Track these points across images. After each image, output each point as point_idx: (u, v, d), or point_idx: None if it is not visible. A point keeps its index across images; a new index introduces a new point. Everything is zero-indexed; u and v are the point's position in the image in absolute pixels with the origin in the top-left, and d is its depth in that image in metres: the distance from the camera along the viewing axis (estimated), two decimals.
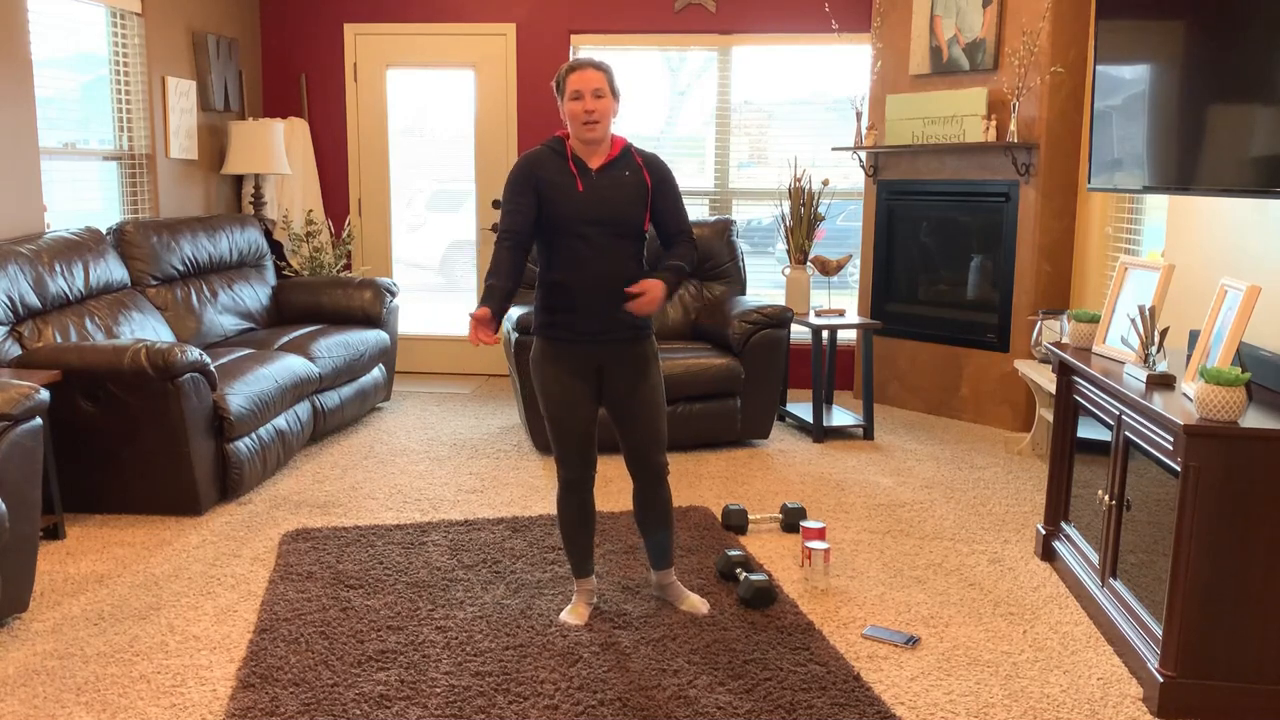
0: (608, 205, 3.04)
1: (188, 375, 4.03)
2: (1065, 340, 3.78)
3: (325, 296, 5.85)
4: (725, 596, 3.41)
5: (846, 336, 6.67)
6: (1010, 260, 5.60)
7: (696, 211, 6.79)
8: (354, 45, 6.74)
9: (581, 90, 3.00)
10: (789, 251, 5.89)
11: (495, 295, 3.02)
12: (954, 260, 5.92)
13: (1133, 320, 3.21)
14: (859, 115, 6.05)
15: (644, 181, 3.11)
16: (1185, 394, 2.91)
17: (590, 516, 3.23)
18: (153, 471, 4.07)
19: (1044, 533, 3.82)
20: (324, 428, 5.15)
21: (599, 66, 3.03)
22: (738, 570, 3.50)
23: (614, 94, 3.05)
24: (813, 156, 6.63)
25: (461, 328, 7.05)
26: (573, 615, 3.23)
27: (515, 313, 5.10)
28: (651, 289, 2.98)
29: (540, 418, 5.01)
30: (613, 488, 4.58)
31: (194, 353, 4.06)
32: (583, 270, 3.04)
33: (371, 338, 5.63)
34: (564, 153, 3.08)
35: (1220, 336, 2.83)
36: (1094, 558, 3.36)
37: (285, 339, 5.22)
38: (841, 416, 5.64)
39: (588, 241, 3.03)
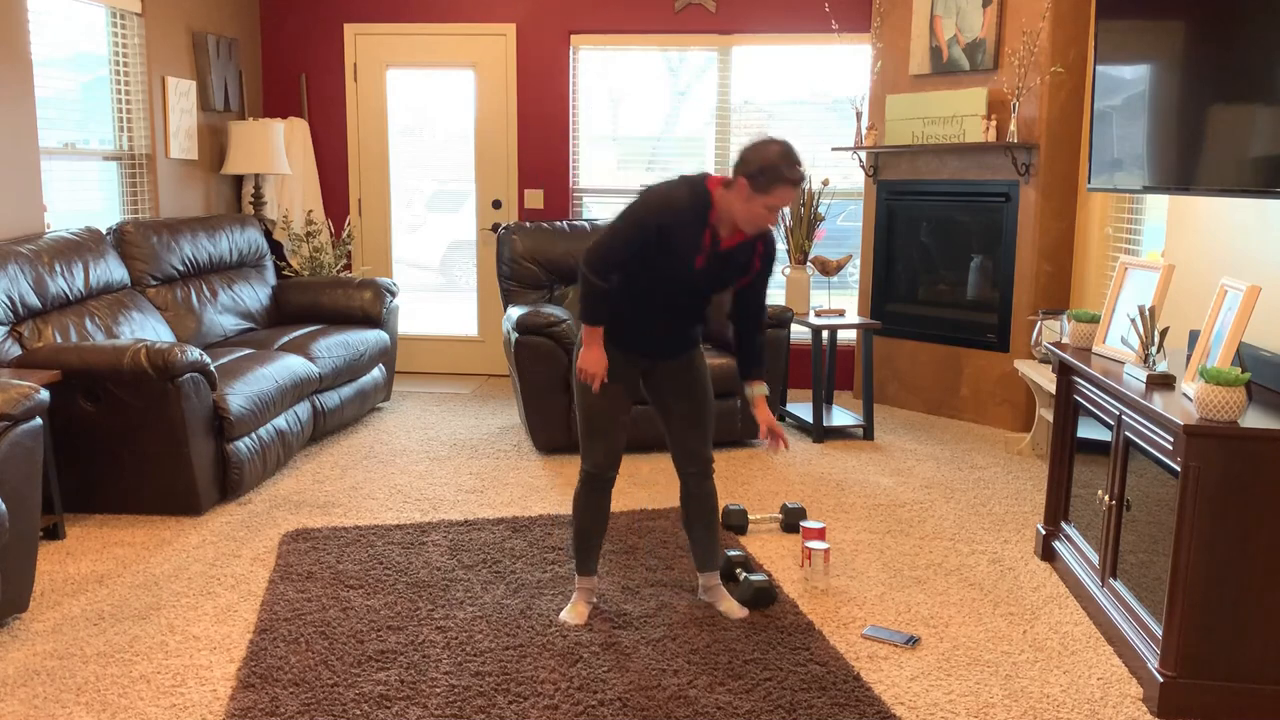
0: (711, 278, 3.06)
1: (188, 375, 4.03)
2: (1065, 340, 3.78)
3: (325, 296, 5.85)
4: None
5: (846, 336, 6.67)
6: (1010, 260, 5.60)
7: None
8: (354, 45, 6.74)
9: (778, 206, 2.90)
10: (789, 251, 5.89)
11: (601, 339, 3.07)
12: (954, 260, 5.92)
13: (1133, 320, 3.21)
14: (859, 115, 6.05)
15: (753, 266, 3.11)
16: (1185, 394, 2.91)
17: (605, 515, 3.24)
18: (153, 471, 4.07)
19: (1044, 533, 3.82)
20: (324, 428, 5.15)
21: (801, 184, 2.93)
22: (738, 571, 3.51)
23: None
24: (813, 156, 6.63)
25: (463, 328, 7.05)
26: (573, 614, 3.23)
27: (515, 313, 5.10)
28: (773, 424, 3.15)
29: (540, 417, 5.02)
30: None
31: (194, 353, 4.06)
32: (653, 311, 3.08)
33: (371, 338, 5.63)
34: (705, 219, 2.97)
35: (1220, 336, 2.83)
36: (1094, 558, 3.36)
37: (285, 339, 5.22)
38: (841, 416, 5.64)
39: (671, 292, 3.06)
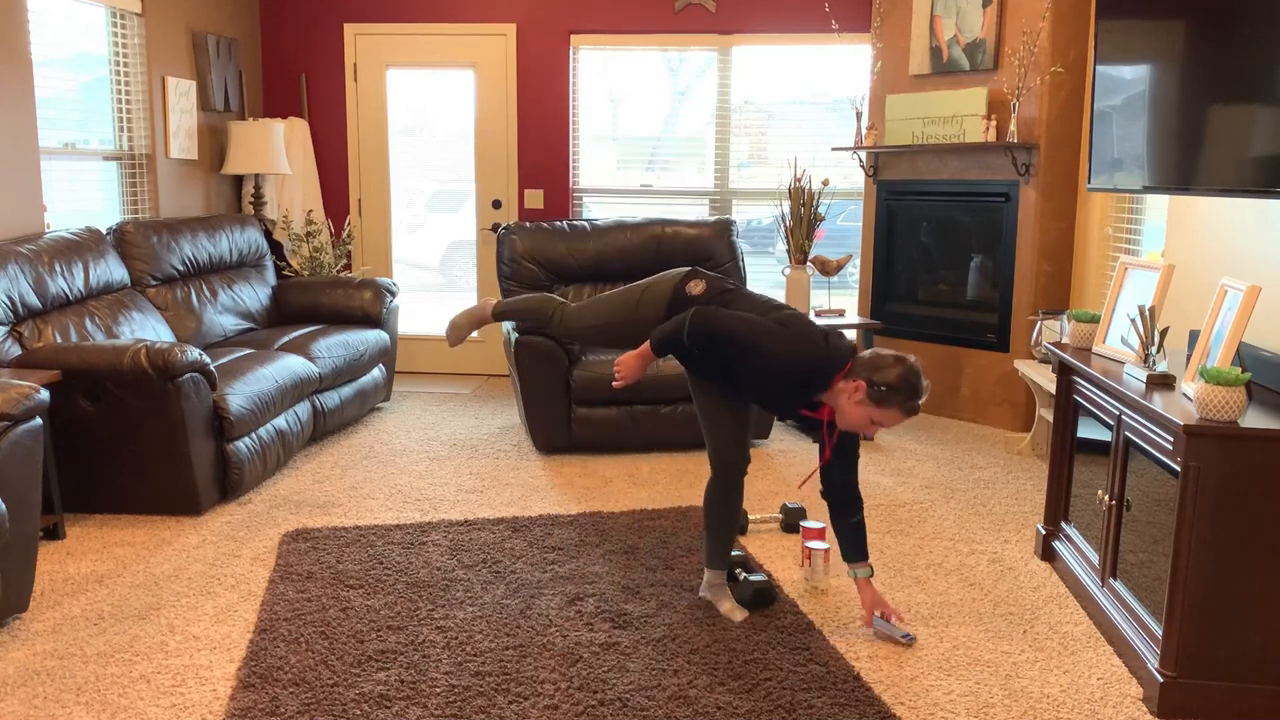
0: (792, 417, 3.21)
1: (188, 375, 4.03)
2: (1065, 340, 3.78)
3: (325, 296, 5.85)
4: None
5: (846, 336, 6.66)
6: (1010, 260, 5.60)
7: (696, 212, 6.80)
8: (354, 45, 6.74)
9: (884, 425, 2.97)
10: (789, 252, 5.89)
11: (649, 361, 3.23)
12: (954, 260, 5.92)
13: (1133, 320, 3.21)
14: (859, 115, 6.05)
15: (845, 440, 3.18)
16: (1185, 394, 2.91)
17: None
18: (153, 471, 4.07)
19: (1044, 533, 3.82)
20: (324, 428, 5.15)
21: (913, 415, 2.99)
22: (737, 571, 3.50)
23: None
24: (813, 156, 6.63)
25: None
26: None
27: None
28: (881, 604, 3.17)
29: (540, 417, 5.02)
30: (613, 488, 4.58)
31: (194, 353, 4.06)
32: (722, 385, 3.21)
33: (371, 338, 5.63)
34: (811, 405, 3.09)
35: (1220, 336, 2.83)
36: (1094, 558, 3.36)
37: (285, 339, 5.22)
38: None
39: (743, 395, 3.18)
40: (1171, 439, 2.75)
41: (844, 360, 2.99)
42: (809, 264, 5.82)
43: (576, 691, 2.80)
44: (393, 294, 5.96)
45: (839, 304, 6.40)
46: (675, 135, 6.77)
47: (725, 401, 3.19)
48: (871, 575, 3.22)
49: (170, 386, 3.97)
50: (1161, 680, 2.74)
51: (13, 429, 3.07)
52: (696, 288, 3.21)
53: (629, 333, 3.32)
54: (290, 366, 4.78)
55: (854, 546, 3.23)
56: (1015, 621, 3.30)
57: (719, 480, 3.28)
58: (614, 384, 3.18)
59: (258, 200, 6.38)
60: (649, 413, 5.05)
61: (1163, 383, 3.01)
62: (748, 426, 3.25)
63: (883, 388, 2.90)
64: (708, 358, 3.07)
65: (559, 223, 5.81)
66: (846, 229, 6.85)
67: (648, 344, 3.12)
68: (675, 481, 4.69)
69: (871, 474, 4.86)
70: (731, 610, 3.27)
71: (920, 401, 2.94)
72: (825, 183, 5.88)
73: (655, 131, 6.76)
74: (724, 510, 3.30)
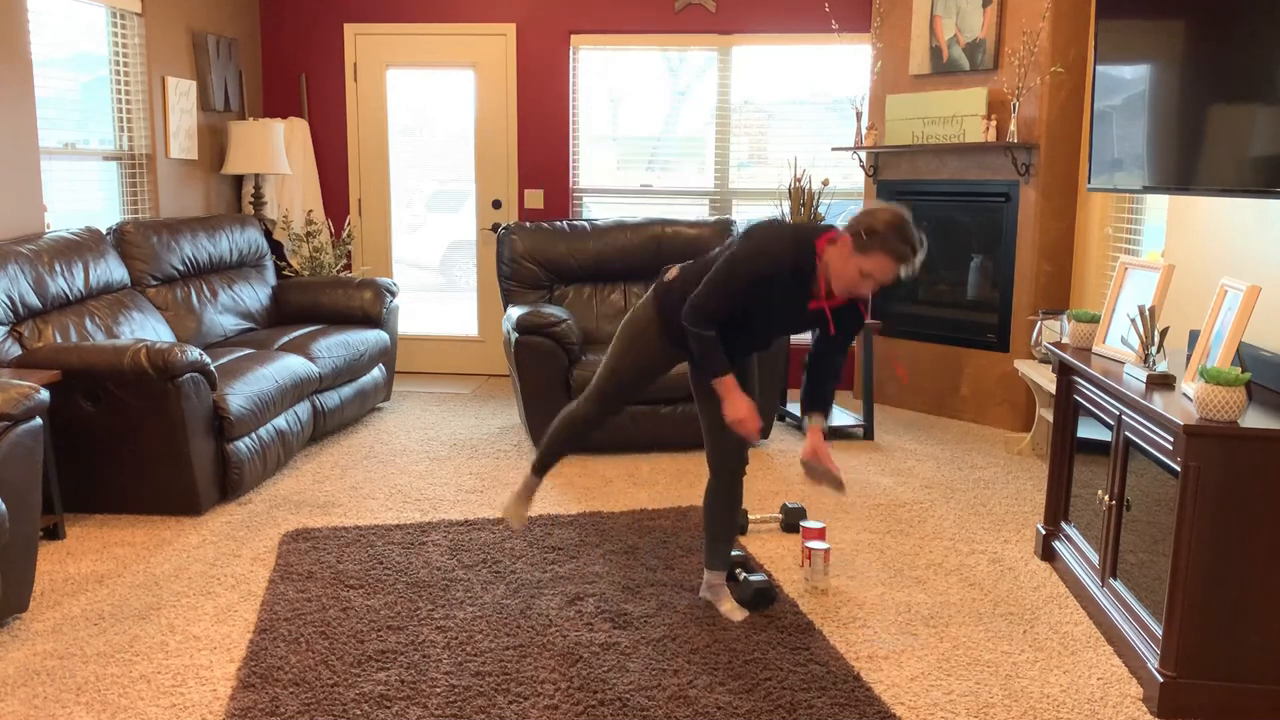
0: (801, 327, 3.08)
1: (188, 375, 4.03)
2: (1065, 340, 3.78)
3: (325, 296, 5.85)
4: None
5: None
6: (1010, 260, 5.60)
7: (696, 212, 6.80)
8: (354, 45, 6.74)
9: (878, 279, 2.83)
10: None
11: (737, 385, 3.02)
12: (954, 260, 5.92)
13: (1133, 320, 3.21)
14: (859, 115, 6.05)
15: (848, 319, 3.07)
16: (1185, 394, 2.91)
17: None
18: (153, 471, 4.07)
19: (1044, 533, 3.82)
20: (324, 428, 5.15)
21: (906, 263, 2.82)
22: (737, 571, 3.50)
23: None
24: (813, 156, 6.63)
25: (463, 328, 7.06)
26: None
27: (515, 313, 5.10)
28: (820, 447, 3.09)
29: (540, 417, 5.01)
30: (613, 488, 4.58)
31: (194, 353, 4.06)
32: (738, 341, 3.11)
33: (371, 338, 5.63)
34: (809, 280, 2.94)
35: (1220, 336, 2.83)
36: (1094, 558, 3.36)
37: (285, 339, 5.22)
38: (842, 416, 5.64)
39: (761, 330, 3.09)
40: (1171, 439, 2.75)
41: (822, 229, 2.92)
42: None
43: (576, 691, 2.80)
44: (393, 294, 5.96)
45: None
46: (675, 135, 6.77)
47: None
48: (825, 426, 3.14)
49: (170, 386, 3.97)
50: (1161, 680, 2.74)
51: (13, 429, 3.07)
52: (670, 272, 3.20)
53: (644, 350, 3.18)
54: (290, 366, 4.78)
55: (818, 403, 3.15)
56: (1015, 621, 3.30)
57: (718, 482, 3.29)
58: (754, 438, 3.05)
59: (258, 200, 6.38)
60: (649, 413, 5.05)
61: (1163, 383, 3.01)
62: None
63: (866, 234, 2.77)
64: (727, 324, 3.01)
65: (559, 223, 5.81)
66: None
67: (719, 381, 2.97)
68: (675, 481, 4.69)
69: (871, 474, 4.86)
70: (731, 610, 3.27)
71: (912, 249, 2.76)
72: (825, 183, 5.88)
73: (655, 131, 6.76)
74: (725, 513, 3.30)
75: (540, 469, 3.40)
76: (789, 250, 2.89)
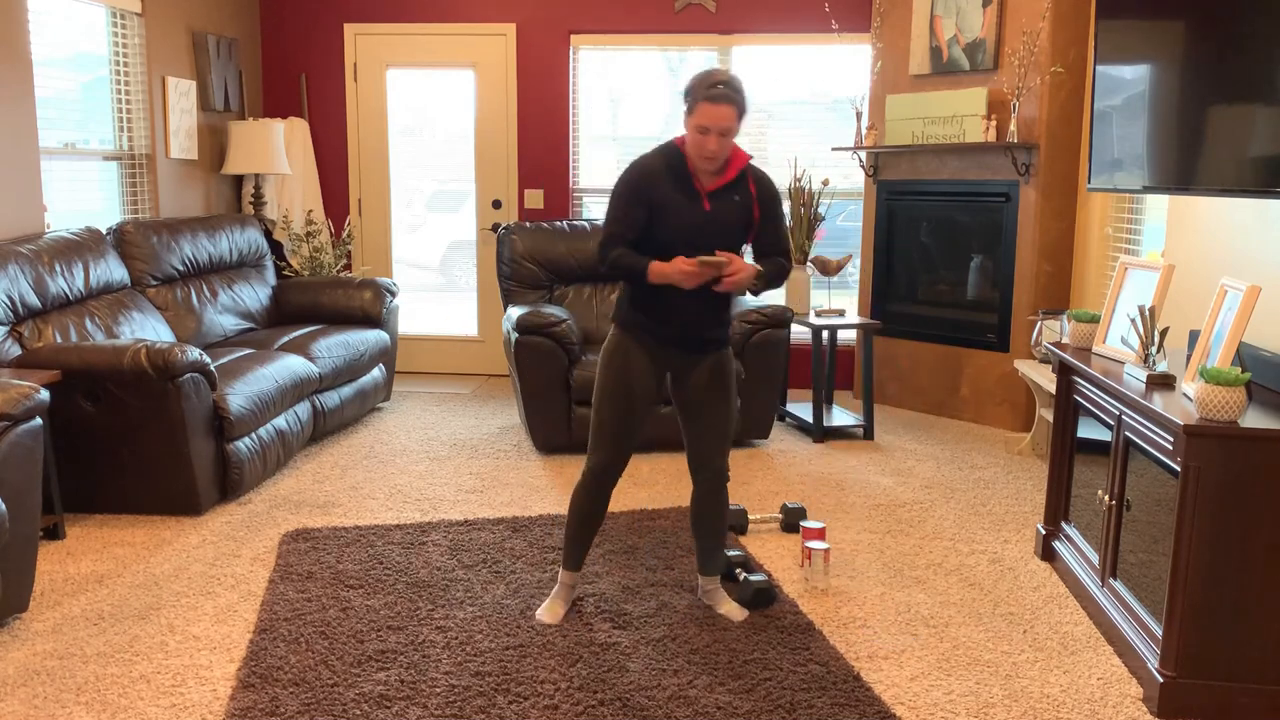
0: (715, 228, 3.02)
1: (188, 375, 4.03)
2: (1065, 340, 3.78)
3: (325, 296, 5.85)
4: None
5: (846, 336, 6.67)
6: (1010, 260, 5.60)
7: None
8: (354, 45, 6.74)
9: (709, 127, 2.89)
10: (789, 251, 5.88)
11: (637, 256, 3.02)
12: (954, 260, 5.92)
13: (1133, 320, 3.21)
14: (859, 115, 6.05)
15: (752, 206, 3.07)
16: (1185, 394, 2.91)
17: (602, 512, 3.21)
18: (153, 471, 4.07)
19: (1044, 533, 3.82)
20: (324, 428, 5.15)
21: (734, 101, 2.88)
22: (737, 571, 3.51)
23: (741, 118, 2.94)
24: (813, 156, 6.63)
25: (463, 328, 7.06)
26: (548, 614, 3.22)
27: (515, 313, 5.10)
28: (742, 266, 2.96)
29: (540, 417, 5.01)
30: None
31: (194, 353, 4.06)
32: (671, 274, 2.99)
33: (371, 338, 5.63)
34: (683, 170, 3.01)
35: (1220, 336, 2.83)
36: (1094, 558, 3.36)
37: (285, 339, 5.22)
38: (841, 416, 5.64)
39: (681, 247, 3.01)
40: (1171, 439, 2.75)
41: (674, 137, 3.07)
42: (809, 264, 5.82)
43: (576, 691, 2.80)
44: (393, 294, 5.96)
45: (839, 304, 6.40)
46: (675, 135, 6.76)
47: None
48: (759, 270, 3.02)
49: (170, 386, 3.97)
50: (1161, 680, 2.74)
51: (13, 429, 3.07)
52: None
53: (623, 368, 3.11)
54: (290, 366, 4.78)
55: (761, 261, 3.13)
56: (1015, 621, 3.30)
57: (701, 489, 3.25)
58: (696, 269, 2.96)
59: (258, 200, 6.38)
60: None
61: (1163, 383, 3.01)
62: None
63: (685, 99, 2.94)
64: (644, 250, 3.03)
65: (559, 223, 5.81)
66: (846, 229, 6.85)
67: (649, 271, 2.98)
68: (675, 481, 4.69)
69: (871, 474, 4.86)
70: (731, 611, 3.27)
71: (718, 84, 2.87)
72: (825, 183, 5.88)
73: (655, 131, 6.76)
74: (712, 519, 3.26)
75: (571, 561, 3.26)
76: (655, 156, 3.05)
